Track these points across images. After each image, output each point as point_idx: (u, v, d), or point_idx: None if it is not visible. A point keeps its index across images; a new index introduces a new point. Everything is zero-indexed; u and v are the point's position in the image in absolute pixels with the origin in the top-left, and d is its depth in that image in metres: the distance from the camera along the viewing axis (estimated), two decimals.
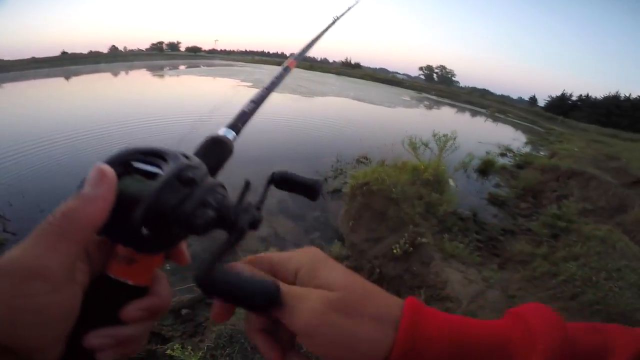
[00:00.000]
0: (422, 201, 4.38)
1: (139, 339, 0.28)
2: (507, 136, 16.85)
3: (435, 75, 76.54)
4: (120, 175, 0.25)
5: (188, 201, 0.25)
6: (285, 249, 3.91)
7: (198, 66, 36.87)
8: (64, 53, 43.96)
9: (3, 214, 3.90)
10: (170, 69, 29.82)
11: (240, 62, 53.73)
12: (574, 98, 43.19)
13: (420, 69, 79.65)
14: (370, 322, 0.28)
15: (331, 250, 4.05)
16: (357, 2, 1.01)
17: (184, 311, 2.73)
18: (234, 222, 0.28)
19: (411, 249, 3.49)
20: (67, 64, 30.36)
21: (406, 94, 32.55)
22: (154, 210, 0.24)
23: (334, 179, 6.07)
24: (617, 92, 37.43)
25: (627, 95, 36.32)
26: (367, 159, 7.12)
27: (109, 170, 0.24)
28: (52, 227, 0.22)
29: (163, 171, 0.26)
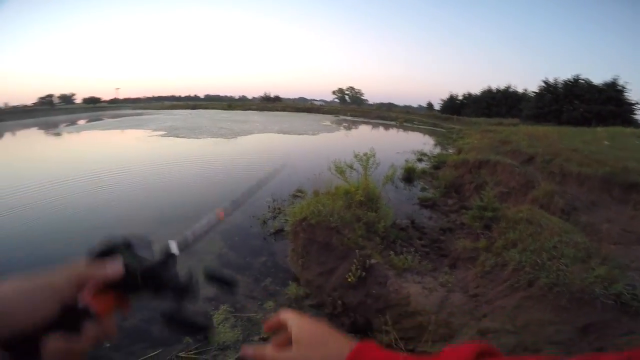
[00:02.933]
0: (361, 223, 4.40)
1: (81, 351, 0.38)
2: (418, 141, 18.67)
3: (347, 96, 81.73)
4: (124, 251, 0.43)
5: (168, 272, 0.44)
6: (238, 303, 3.51)
7: (101, 119, 33.41)
8: None
9: None
10: (67, 125, 26.18)
11: (149, 110, 50.60)
12: (460, 98, 50.41)
13: (334, 92, 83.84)
14: None
15: (287, 293, 3.77)
16: None
17: None
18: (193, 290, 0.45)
19: (364, 273, 3.41)
20: None
21: (326, 119, 34.24)
22: (154, 276, 0.43)
23: (273, 219, 5.81)
24: (489, 87, 44.83)
25: (497, 87, 43.70)
26: (301, 192, 7.04)
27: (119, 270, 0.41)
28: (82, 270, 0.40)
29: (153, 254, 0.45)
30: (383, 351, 0.36)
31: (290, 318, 0.44)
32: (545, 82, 33.56)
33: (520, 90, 41.50)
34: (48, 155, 12.98)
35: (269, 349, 0.42)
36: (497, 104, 41.15)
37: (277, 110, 45.65)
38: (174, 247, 0.46)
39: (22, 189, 7.50)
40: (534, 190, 5.62)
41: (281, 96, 76.22)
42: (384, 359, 0.35)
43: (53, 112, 46.18)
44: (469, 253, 3.50)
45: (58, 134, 20.61)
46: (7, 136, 20.48)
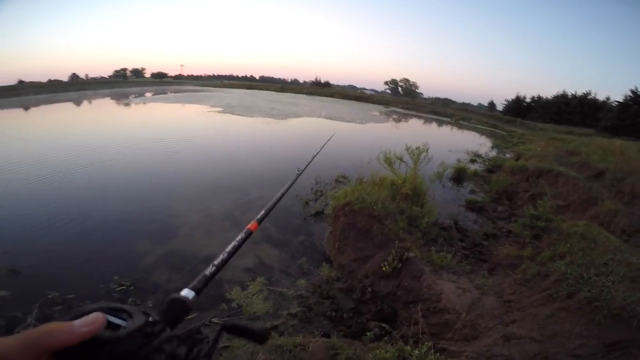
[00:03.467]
0: (404, 215, 4.39)
1: None
2: (473, 142, 17.64)
3: (400, 88, 79.02)
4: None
5: (145, 348, 0.33)
6: (273, 277, 3.75)
7: (165, 92, 36.25)
8: (20, 82, 41.27)
9: None
10: (136, 97, 28.88)
11: (208, 87, 53.45)
12: (527, 100, 45.98)
13: (386, 83, 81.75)
14: None
15: (320, 273, 3.94)
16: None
17: None
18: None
19: (400, 264, 3.45)
20: (24, 93, 29.00)
21: (375, 109, 33.55)
22: (118, 351, 0.32)
23: (315, 202, 6.01)
24: (564, 91, 40.18)
25: (574, 93, 38.98)
26: (345, 178, 7.14)
27: (101, 322, 0.33)
28: (32, 337, 0.30)
29: (127, 325, 0.34)
30: None
31: None
32: (634, 92, 29.45)
33: (601, 98, 36.98)
34: (117, 122, 14.48)
35: None
36: (571, 111, 36.74)
37: (326, 96, 45.53)
38: (154, 315, 0.37)
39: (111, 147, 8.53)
40: (595, 207, 5.16)
41: (331, 82, 75.62)
42: None
43: (126, 84, 51.08)
44: (511, 260, 3.38)
45: (127, 104, 22.75)
46: (85, 104, 23.09)
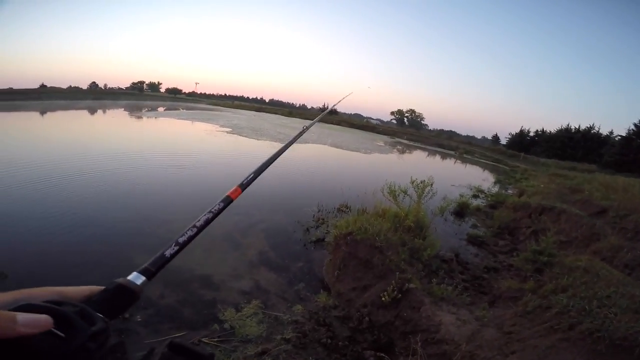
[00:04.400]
0: (406, 247, 4.39)
1: None
2: (476, 177, 17.71)
3: (405, 119, 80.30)
4: None
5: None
6: (269, 301, 3.70)
7: (177, 109, 37.35)
8: (42, 86, 43.18)
9: None
10: (148, 110, 30.04)
11: (219, 106, 54.96)
12: (531, 134, 46.23)
13: (392, 113, 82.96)
14: None
15: (317, 301, 3.88)
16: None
17: None
18: None
19: (399, 295, 3.41)
20: (45, 97, 30.27)
21: (380, 139, 34.08)
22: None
23: (316, 229, 6.01)
24: (568, 125, 39.80)
25: (577, 127, 38.79)
26: (347, 207, 7.17)
27: (46, 328, 0.29)
28: None
29: (67, 337, 0.30)
30: None
31: None
32: (637, 126, 29.37)
33: (604, 132, 37.01)
34: (127, 133, 14.88)
35: None
36: (574, 145, 36.68)
37: (333, 124, 46.46)
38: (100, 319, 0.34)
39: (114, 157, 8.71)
40: (597, 243, 5.13)
41: (338, 110, 77.59)
42: None
43: (141, 97, 53.06)
44: (513, 293, 3.34)
45: (139, 117, 23.53)
46: (99, 113, 24.09)
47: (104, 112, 25.06)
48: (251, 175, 0.62)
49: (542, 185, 12.58)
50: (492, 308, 3.30)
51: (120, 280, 0.39)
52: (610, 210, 7.37)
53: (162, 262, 0.43)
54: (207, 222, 0.49)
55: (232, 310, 3.46)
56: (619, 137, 31.59)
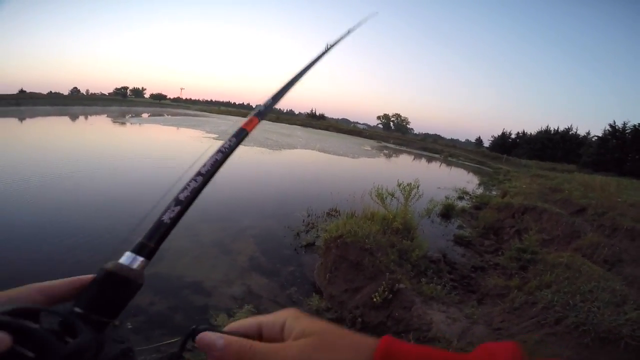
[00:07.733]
0: (395, 249, 4.47)
1: None
2: (461, 179, 18.10)
3: (392, 123, 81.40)
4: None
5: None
6: (261, 305, 3.68)
7: (162, 115, 36.65)
8: (21, 91, 41.20)
9: None
10: (132, 117, 29.28)
11: (205, 112, 54.16)
12: (513, 136, 47.78)
13: (378, 118, 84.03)
14: (349, 353, 0.29)
15: (310, 304, 3.90)
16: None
17: None
18: None
19: (390, 295, 3.46)
20: (24, 103, 29.13)
21: (367, 144, 34.41)
22: None
23: (306, 233, 6.03)
24: (547, 126, 41.74)
25: (556, 128, 40.66)
26: (337, 211, 7.22)
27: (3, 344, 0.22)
28: None
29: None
30: (412, 346, 0.30)
31: (290, 315, 0.34)
32: (612, 126, 30.66)
33: (582, 133, 38.59)
34: (110, 140, 14.58)
35: (257, 344, 0.31)
36: (554, 146, 38.24)
37: (320, 129, 46.64)
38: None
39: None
40: (578, 240, 5.35)
41: (326, 115, 78.10)
42: (417, 354, 0.29)
43: (125, 103, 51.84)
44: (500, 290, 3.45)
45: (123, 123, 23.10)
46: (80, 119, 23.43)
47: (86, 118, 24.43)
48: (269, 101, 0.51)
49: (524, 186, 12.95)
50: (480, 306, 3.40)
51: (109, 265, 0.29)
52: (589, 208, 7.68)
53: (162, 231, 0.31)
54: (216, 165, 0.37)
55: (224, 315, 3.44)
56: (596, 138, 32.89)
